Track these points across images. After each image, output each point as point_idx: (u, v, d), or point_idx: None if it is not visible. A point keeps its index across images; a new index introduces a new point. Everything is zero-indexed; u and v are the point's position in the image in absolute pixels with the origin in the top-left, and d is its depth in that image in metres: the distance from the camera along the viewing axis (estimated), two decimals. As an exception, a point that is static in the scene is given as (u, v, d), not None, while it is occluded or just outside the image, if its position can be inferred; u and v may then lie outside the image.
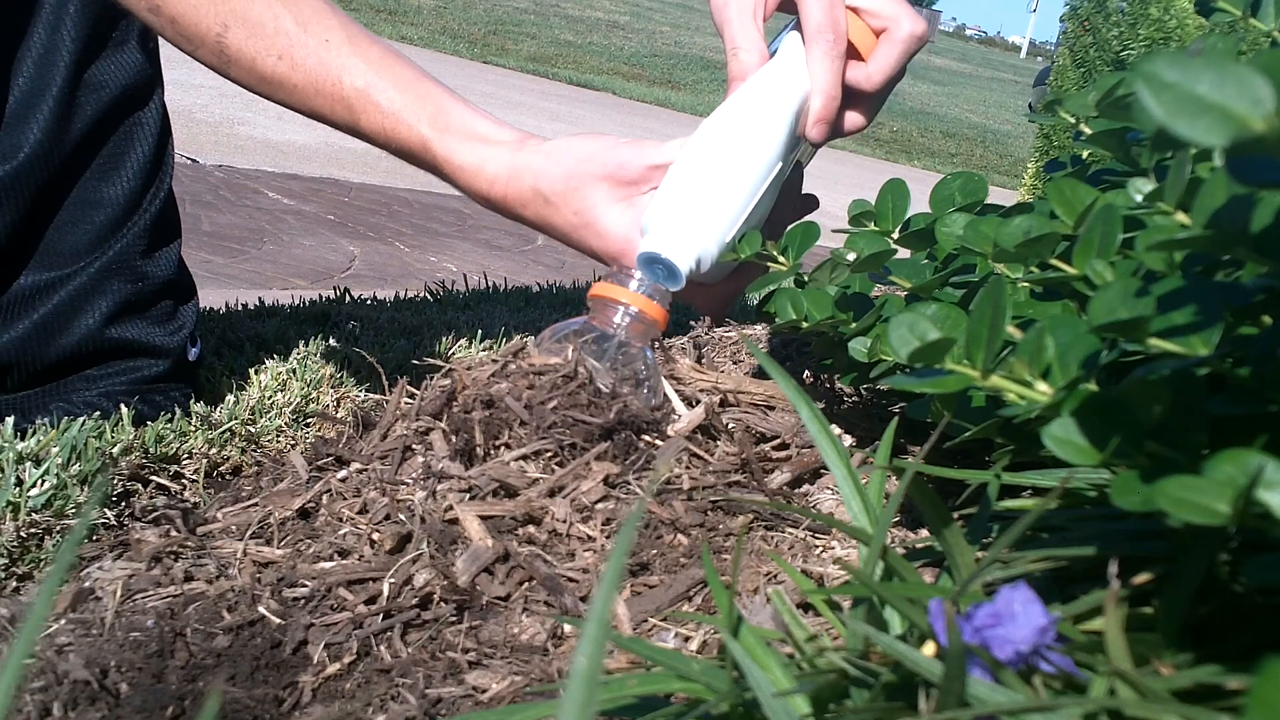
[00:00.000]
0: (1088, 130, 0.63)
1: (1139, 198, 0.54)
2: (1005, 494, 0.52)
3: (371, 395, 0.99)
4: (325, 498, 0.65)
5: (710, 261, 0.75)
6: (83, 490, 0.73)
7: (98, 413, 0.84)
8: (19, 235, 0.85)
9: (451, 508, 0.60)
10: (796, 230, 0.76)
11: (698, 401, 0.72)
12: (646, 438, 0.67)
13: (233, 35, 0.75)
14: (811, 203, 0.88)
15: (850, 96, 0.79)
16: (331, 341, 1.13)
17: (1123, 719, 0.31)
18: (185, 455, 0.83)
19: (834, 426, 0.60)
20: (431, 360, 0.78)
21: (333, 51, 0.76)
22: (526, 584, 0.56)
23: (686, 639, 0.53)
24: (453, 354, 1.15)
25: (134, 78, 0.89)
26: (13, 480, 0.70)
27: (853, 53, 0.78)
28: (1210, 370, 0.36)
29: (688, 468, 0.66)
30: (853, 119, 0.81)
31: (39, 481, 0.71)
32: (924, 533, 0.64)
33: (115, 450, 0.77)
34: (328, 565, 0.59)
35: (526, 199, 0.78)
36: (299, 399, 0.94)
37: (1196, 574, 0.35)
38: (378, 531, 0.60)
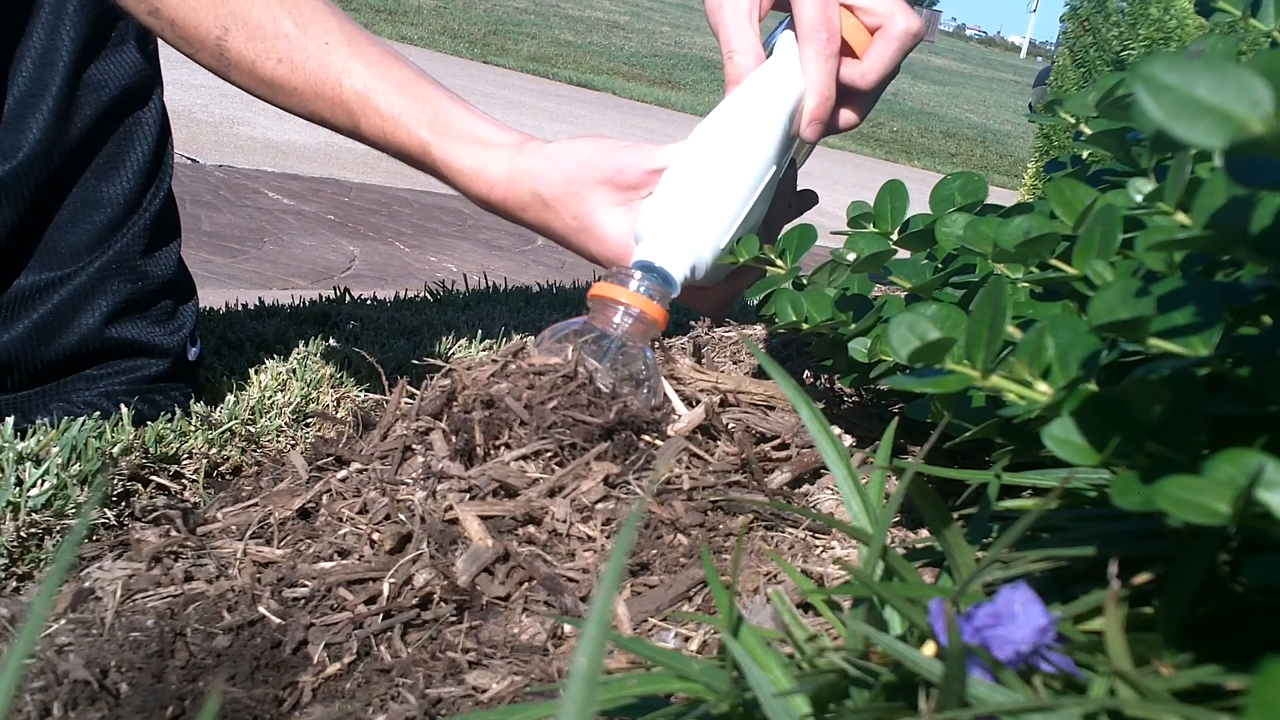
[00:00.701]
0: (1088, 130, 0.63)
1: (1139, 198, 0.54)
2: (1005, 494, 0.52)
3: (371, 395, 0.99)
4: (325, 498, 0.65)
5: (705, 267, 0.76)
6: (83, 490, 0.73)
7: (98, 412, 0.84)
8: (19, 235, 0.85)
9: (451, 508, 0.60)
10: (794, 233, 0.76)
11: (698, 401, 0.72)
12: (646, 438, 0.67)
13: (232, 38, 0.75)
14: (810, 199, 0.87)
15: (844, 94, 0.79)
16: (331, 341, 1.13)
17: (1123, 719, 0.31)
18: (185, 455, 0.83)
19: (834, 426, 0.60)
20: (431, 360, 0.78)
21: (332, 54, 0.76)
22: (526, 584, 0.56)
23: (686, 639, 0.53)
24: (453, 354, 1.15)
25: (133, 77, 0.89)
26: (13, 480, 0.70)
27: (846, 50, 0.78)
28: (1210, 370, 0.36)
29: (688, 468, 0.66)
30: (846, 116, 0.81)
31: (39, 481, 0.71)
32: (924, 533, 0.64)
33: (115, 450, 0.77)
34: (328, 565, 0.59)
35: (526, 202, 0.78)
36: (299, 399, 0.94)
37: (1196, 574, 0.35)
38: (378, 531, 0.60)
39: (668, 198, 0.75)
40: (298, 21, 0.76)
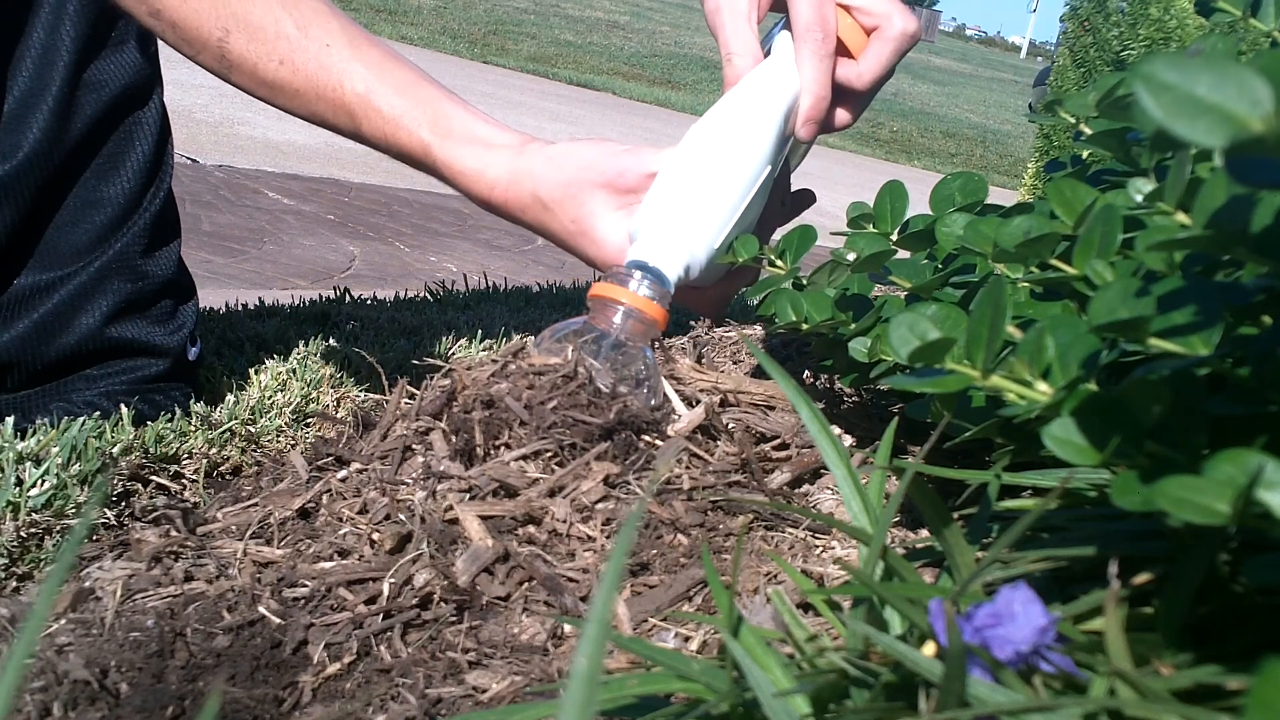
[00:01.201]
0: (1088, 130, 0.63)
1: (1139, 198, 0.54)
2: (1005, 494, 0.52)
3: (371, 395, 0.99)
4: (325, 498, 0.65)
5: (700, 267, 0.76)
6: (83, 490, 0.73)
7: (98, 412, 0.84)
8: (19, 235, 0.85)
9: (451, 508, 0.60)
10: (794, 233, 0.76)
11: (698, 401, 0.72)
12: (646, 438, 0.67)
13: (234, 40, 0.75)
14: (807, 198, 0.87)
15: (840, 94, 0.79)
16: (331, 341, 1.13)
17: (1123, 719, 0.31)
18: (185, 455, 0.83)
19: (834, 426, 0.60)
20: (431, 360, 0.78)
21: (334, 56, 0.76)
22: (526, 584, 0.56)
23: (686, 639, 0.53)
24: (453, 354, 1.15)
25: (133, 77, 0.89)
26: (13, 480, 0.70)
27: (842, 50, 0.78)
28: (1210, 370, 0.36)
29: (688, 468, 0.66)
30: (841, 116, 0.81)
31: (39, 481, 0.71)
32: (924, 533, 0.64)
33: (115, 450, 0.77)
34: (328, 565, 0.59)
35: (525, 204, 0.78)
36: (299, 399, 0.94)
37: (1196, 574, 0.35)
38: (378, 531, 0.60)
39: (662, 197, 0.75)
40: (299, 23, 0.76)
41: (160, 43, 0.85)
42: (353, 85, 0.76)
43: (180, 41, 0.77)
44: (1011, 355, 0.41)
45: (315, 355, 1.07)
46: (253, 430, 0.88)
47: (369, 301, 1.43)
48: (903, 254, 0.71)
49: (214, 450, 0.84)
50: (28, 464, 0.72)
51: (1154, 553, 0.39)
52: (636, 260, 0.74)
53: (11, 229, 0.84)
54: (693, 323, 1.14)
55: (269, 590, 0.57)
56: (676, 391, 0.74)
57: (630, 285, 0.73)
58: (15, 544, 0.67)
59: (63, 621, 0.56)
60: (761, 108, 0.76)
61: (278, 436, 0.89)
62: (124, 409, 0.83)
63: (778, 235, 0.82)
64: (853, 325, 0.68)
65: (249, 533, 0.63)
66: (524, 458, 0.63)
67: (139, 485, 0.77)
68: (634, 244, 0.75)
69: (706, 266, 0.76)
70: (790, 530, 0.63)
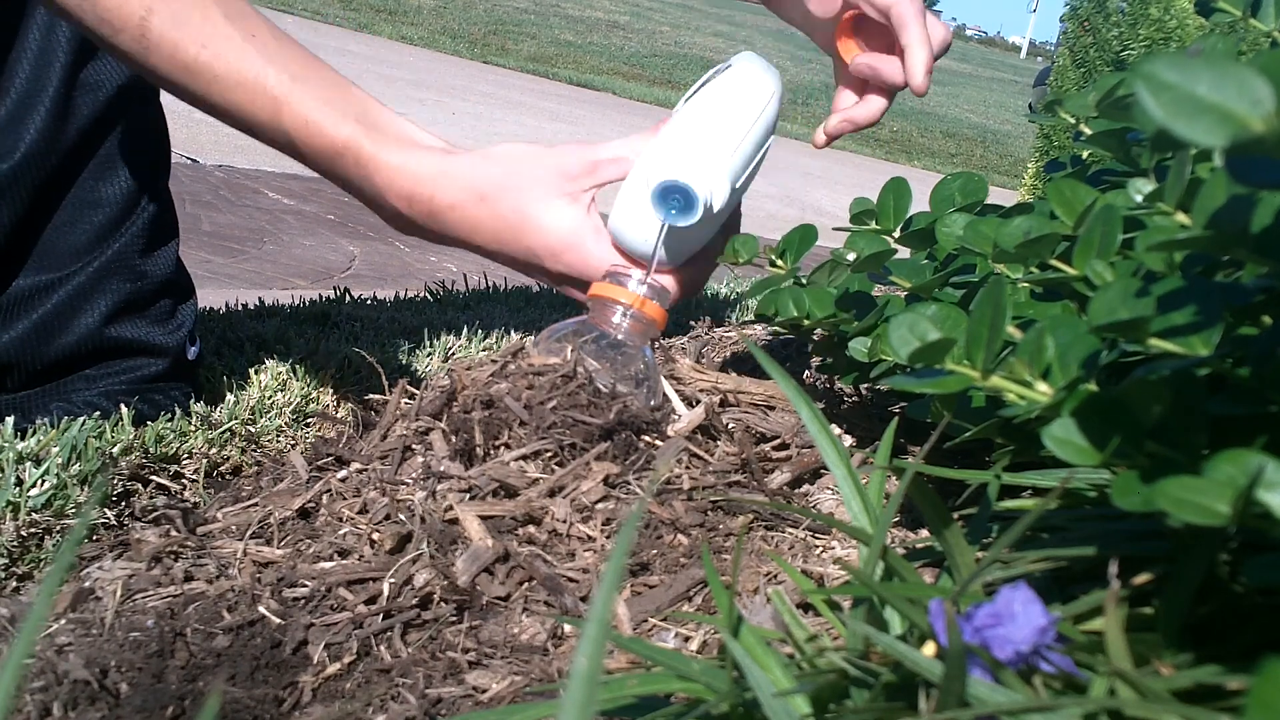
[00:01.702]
0: (1088, 130, 0.63)
1: (1139, 198, 0.54)
2: (1005, 494, 0.52)
3: (371, 395, 0.99)
4: (325, 498, 0.65)
5: (722, 200, 0.73)
6: (83, 490, 0.73)
7: (98, 412, 0.84)
8: (17, 235, 0.85)
9: (451, 508, 0.60)
10: (795, 233, 0.76)
11: (698, 401, 0.72)
12: (646, 438, 0.67)
13: (156, 20, 0.73)
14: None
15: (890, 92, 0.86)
16: (331, 341, 1.13)
17: (1123, 719, 0.31)
18: (185, 455, 0.83)
19: (834, 426, 0.60)
20: (431, 360, 0.78)
21: (258, 46, 0.74)
22: (526, 584, 0.56)
23: (686, 639, 0.53)
24: (453, 354, 1.15)
25: (131, 77, 0.89)
26: (13, 480, 0.70)
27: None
28: (1210, 370, 0.36)
29: (688, 468, 0.66)
30: (881, 107, 0.88)
31: (39, 481, 0.71)
32: (924, 533, 0.64)
33: (115, 450, 0.77)
34: (328, 565, 0.59)
35: (455, 199, 0.75)
36: (299, 399, 0.94)
37: (1196, 574, 0.35)
38: (378, 531, 0.60)
39: (687, 123, 0.74)
40: (226, 12, 0.74)
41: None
42: (277, 74, 0.74)
43: (99, 22, 0.73)
44: (1011, 355, 0.41)
45: (315, 355, 1.07)
46: (253, 430, 0.88)
47: (369, 301, 1.43)
48: (903, 253, 0.71)
49: (214, 450, 0.84)
50: (28, 464, 0.72)
51: (1154, 553, 0.39)
52: (667, 180, 0.71)
53: (9, 230, 0.84)
54: (693, 323, 1.14)
55: (269, 590, 0.57)
56: (676, 391, 0.74)
57: (630, 284, 0.73)
58: (15, 544, 0.67)
59: (63, 621, 0.56)
60: (764, 83, 0.77)
61: (278, 436, 0.89)
62: (124, 409, 0.83)
63: (776, 236, 0.81)
64: (854, 324, 0.68)
65: (249, 533, 0.63)
66: (524, 458, 0.63)
67: (139, 485, 0.77)
68: (658, 167, 0.72)
69: (725, 203, 0.74)
70: (790, 530, 0.63)
